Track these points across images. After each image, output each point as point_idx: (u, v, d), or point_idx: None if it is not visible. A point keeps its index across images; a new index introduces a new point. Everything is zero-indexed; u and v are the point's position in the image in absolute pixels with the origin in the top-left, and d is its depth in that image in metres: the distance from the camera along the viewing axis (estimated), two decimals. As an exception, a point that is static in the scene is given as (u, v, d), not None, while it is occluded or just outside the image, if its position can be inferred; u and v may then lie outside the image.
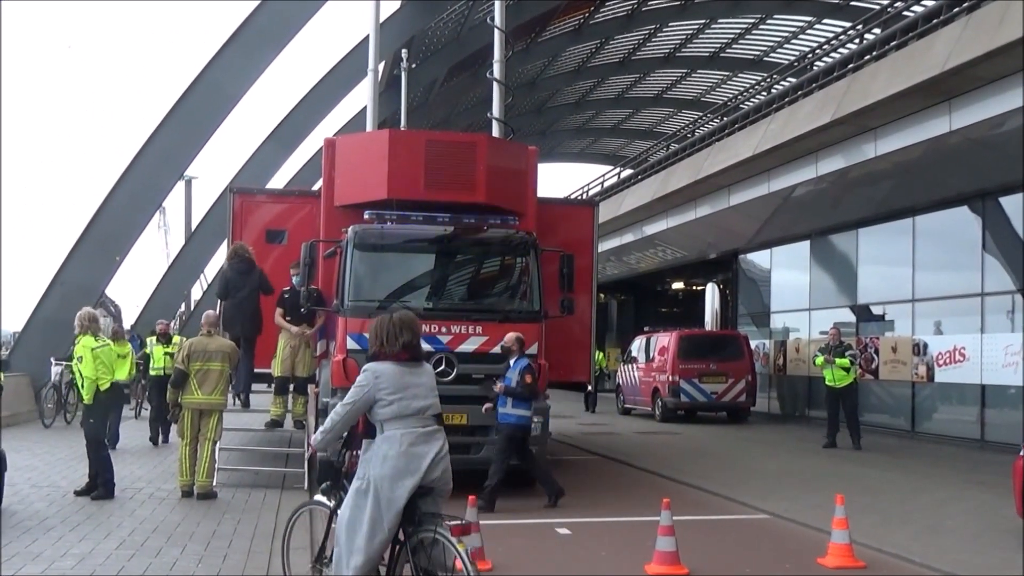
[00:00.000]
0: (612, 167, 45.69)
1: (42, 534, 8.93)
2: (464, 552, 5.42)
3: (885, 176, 19.66)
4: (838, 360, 18.13)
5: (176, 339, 17.35)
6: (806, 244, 25.59)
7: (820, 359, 18.51)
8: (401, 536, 5.74)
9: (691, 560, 8.17)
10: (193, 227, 39.79)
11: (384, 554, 5.75)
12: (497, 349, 11.71)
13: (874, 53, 19.44)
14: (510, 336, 11.51)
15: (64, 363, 19.58)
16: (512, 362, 11.41)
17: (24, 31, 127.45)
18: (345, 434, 6.02)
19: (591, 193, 40.36)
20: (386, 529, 5.63)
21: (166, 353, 16.69)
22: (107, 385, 11.25)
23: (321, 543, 6.46)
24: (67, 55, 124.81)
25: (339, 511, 5.88)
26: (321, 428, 6.14)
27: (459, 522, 5.62)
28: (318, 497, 6.46)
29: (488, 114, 18.32)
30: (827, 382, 18.50)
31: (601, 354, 28.81)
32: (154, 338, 17.99)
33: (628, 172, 38.46)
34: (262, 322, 13.05)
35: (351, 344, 11.56)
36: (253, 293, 12.93)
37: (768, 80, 32.21)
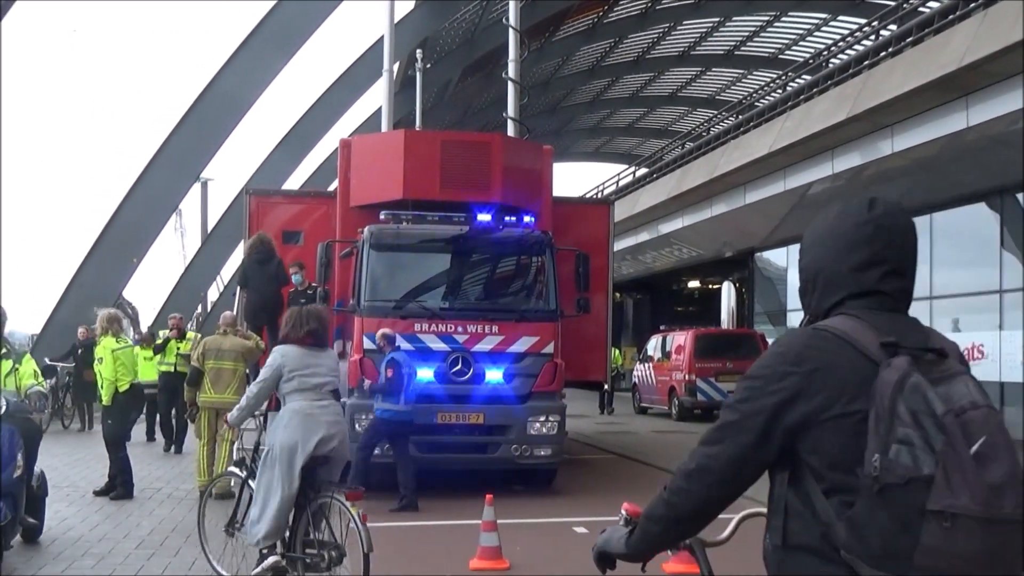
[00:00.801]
0: (627, 166, 45.66)
1: (62, 534, 8.99)
2: (356, 515, 6.18)
3: (902, 173, 19.58)
4: None
5: (190, 335, 16.95)
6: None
7: None
8: (304, 503, 6.60)
9: (710, 558, 8.14)
10: (209, 229, 39.93)
11: (289, 517, 6.54)
12: (514, 349, 11.73)
13: (890, 50, 19.36)
14: (379, 332, 11.30)
15: (60, 364, 19.52)
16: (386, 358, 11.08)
17: (41, 33, 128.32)
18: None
19: (606, 192, 40.35)
20: (289, 491, 6.45)
21: (178, 349, 15.93)
22: (126, 387, 11.31)
23: (233, 509, 7.29)
24: (84, 61, 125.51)
25: (250, 480, 6.87)
26: (238, 405, 7.18)
27: (353, 489, 6.52)
28: (231, 468, 7.42)
29: (503, 114, 18.35)
30: None
31: (618, 352, 28.59)
32: (165, 332, 17.19)
33: (643, 171, 38.42)
34: (283, 311, 13.06)
35: (367, 344, 11.58)
36: (271, 281, 12.98)
37: (783, 78, 32.13)
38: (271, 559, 6.62)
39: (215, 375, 11.26)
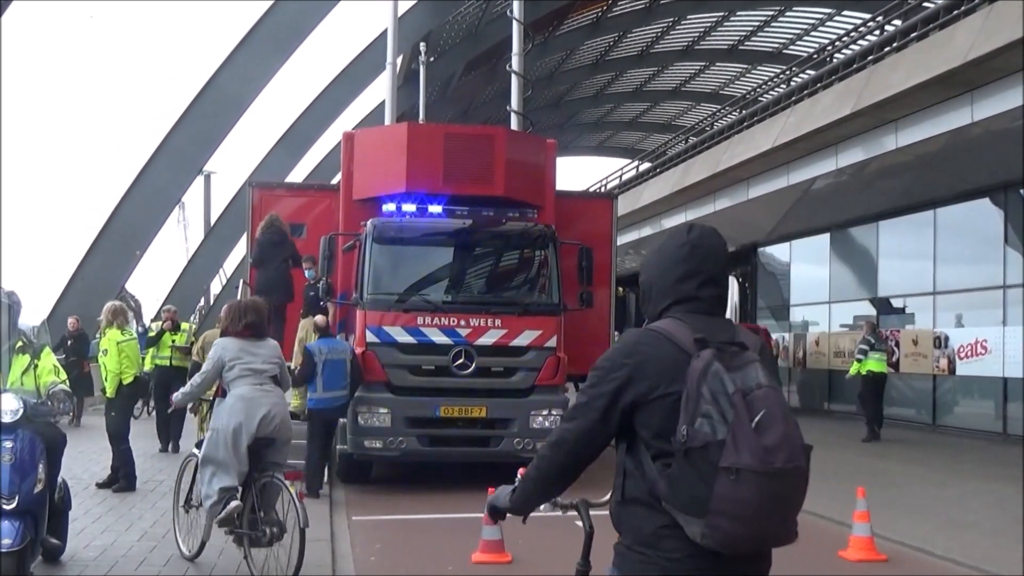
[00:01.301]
0: (630, 161, 45.56)
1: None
2: (293, 493, 6.92)
3: (906, 168, 19.54)
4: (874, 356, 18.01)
5: (184, 326, 16.53)
6: (826, 237, 25.48)
7: (867, 364, 18.12)
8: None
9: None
10: (212, 222, 39.95)
11: (238, 492, 7.08)
12: (517, 342, 11.73)
13: (894, 44, 19.29)
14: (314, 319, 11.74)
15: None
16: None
17: (44, 26, 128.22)
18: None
19: (609, 187, 40.28)
20: (233, 470, 7.03)
21: (173, 342, 15.25)
22: (130, 379, 11.32)
23: (189, 487, 7.82)
24: (85, 54, 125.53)
25: None
26: (182, 390, 7.95)
27: (292, 469, 7.47)
28: (193, 450, 7.78)
29: (507, 107, 18.32)
30: (866, 371, 18.14)
31: None
32: (158, 324, 16.12)
33: (646, 166, 38.34)
34: (293, 291, 13.19)
35: (370, 337, 11.60)
36: (285, 263, 13.03)
37: (787, 72, 32.05)
38: (233, 504, 7.03)
39: None
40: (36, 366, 7.02)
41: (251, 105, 22.46)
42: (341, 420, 11.55)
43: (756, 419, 2.65)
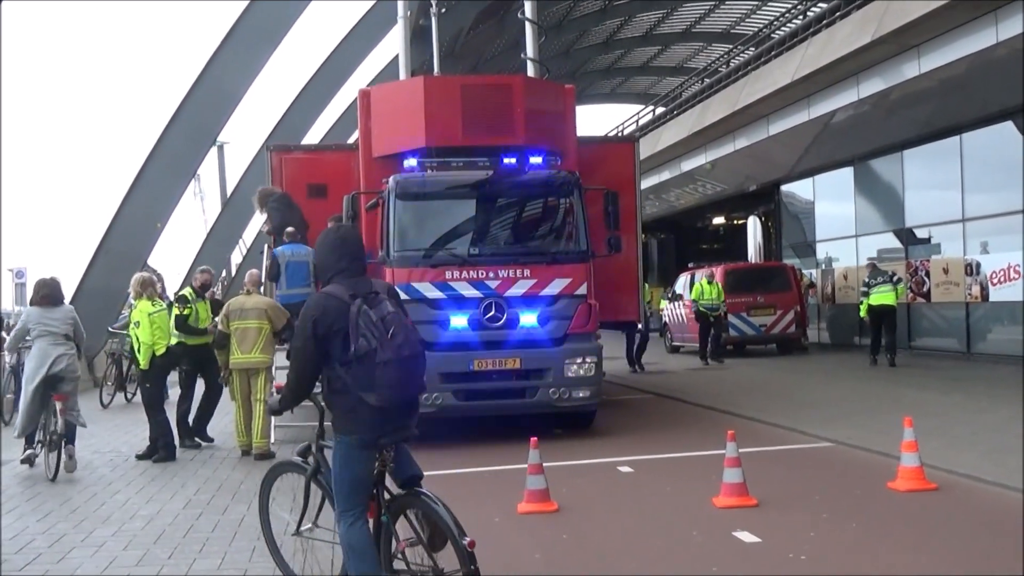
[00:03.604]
0: (644, 106, 45.08)
1: (109, 497, 9.02)
2: (57, 410, 10.01)
3: (930, 95, 19.20)
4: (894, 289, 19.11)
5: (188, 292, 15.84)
6: (849, 170, 25.17)
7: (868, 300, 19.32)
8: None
9: (759, 490, 8.08)
10: (228, 193, 39.86)
11: (40, 418, 10.22)
12: (547, 292, 11.61)
13: (914, -33, 18.87)
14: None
15: (120, 331, 17.71)
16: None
17: (59, 5, 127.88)
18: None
19: (626, 132, 39.90)
20: (30, 400, 10.04)
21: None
22: (163, 350, 11.31)
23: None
24: (97, 28, 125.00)
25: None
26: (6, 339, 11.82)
27: (60, 392, 10.09)
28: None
29: (521, 55, 18.03)
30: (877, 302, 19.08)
31: (653, 290, 27.68)
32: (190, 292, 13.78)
33: (662, 110, 37.93)
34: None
35: (401, 296, 11.47)
36: (303, 223, 13.09)
37: (803, 4, 31.52)
38: (27, 452, 10.50)
39: (241, 335, 11.18)
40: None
41: (262, 70, 22.26)
42: None
43: (391, 332, 4.77)
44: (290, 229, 12.82)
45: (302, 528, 5.78)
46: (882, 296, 19.00)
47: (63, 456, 9.99)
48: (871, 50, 18.81)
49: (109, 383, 17.89)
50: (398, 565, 5.14)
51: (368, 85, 17.76)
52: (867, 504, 7.99)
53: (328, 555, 6.10)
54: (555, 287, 11.69)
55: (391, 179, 11.94)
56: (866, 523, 7.34)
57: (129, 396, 17.48)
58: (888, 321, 19.15)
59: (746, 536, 7.05)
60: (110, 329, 18.77)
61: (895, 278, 19.44)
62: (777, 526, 7.36)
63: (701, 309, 22.34)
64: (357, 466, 4.96)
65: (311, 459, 5.65)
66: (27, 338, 10.43)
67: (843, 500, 8.23)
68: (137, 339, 11.22)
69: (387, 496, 5.18)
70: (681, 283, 26.90)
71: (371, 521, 5.08)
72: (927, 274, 21.56)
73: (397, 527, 5.16)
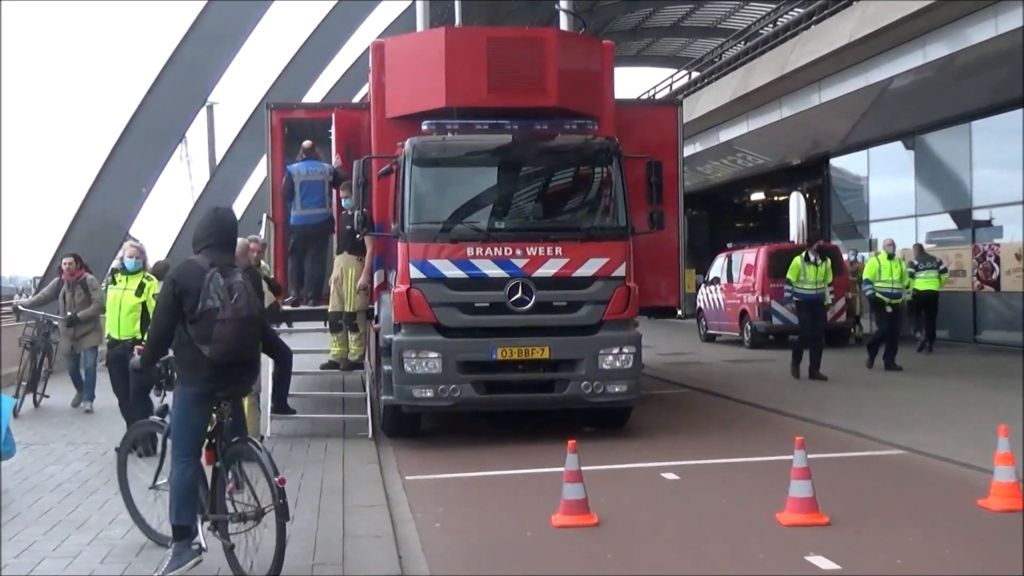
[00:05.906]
0: (676, 70, 44.44)
1: (85, 498, 8.66)
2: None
3: (1004, 59, 18.62)
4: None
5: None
6: (909, 143, 24.63)
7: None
8: None
9: (828, 506, 7.62)
10: (218, 157, 39.38)
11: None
12: (581, 272, 11.15)
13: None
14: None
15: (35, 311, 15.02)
16: None
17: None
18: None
19: (658, 97, 39.33)
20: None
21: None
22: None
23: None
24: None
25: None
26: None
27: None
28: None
29: (556, 5, 17.43)
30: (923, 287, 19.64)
31: (692, 273, 26.44)
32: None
33: (696, 74, 37.40)
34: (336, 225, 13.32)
35: (415, 273, 11.06)
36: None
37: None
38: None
39: None
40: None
41: (258, 24, 21.89)
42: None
43: (234, 297, 6.16)
44: (307, 144, 13.19)
45: (158, 482, 6.96)
46: (928, 282, 19.64)
47: None
48: (941, 8, 18.28)
49: (24, 382, 14.45)
50: (229, 508, 6.41)
51: (379, 38, 17.28)
52: (957, 525, 7.54)
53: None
54: (590, 267, 11.24)
55: (407, 142, 11.48)
56: (963, 549, 6.90)
57: (38, 398, 14.58)
58: (930, 308, 20.05)
59: (821, 561, 6.61)
60: (20, 307, 15.85)
61: (941, 266, 19.94)
62: (856, 550, 6.91)
63: (879, 296, 18.23)
64: (193, 416, 6.30)
65: (167, 418, 6.76)
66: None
67: (927, 519, 7.78)
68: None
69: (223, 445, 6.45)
70: (718, 266, 26.40)
71: (210, 469, 6.47)
72: (996, 260, 21.03)
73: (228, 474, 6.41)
